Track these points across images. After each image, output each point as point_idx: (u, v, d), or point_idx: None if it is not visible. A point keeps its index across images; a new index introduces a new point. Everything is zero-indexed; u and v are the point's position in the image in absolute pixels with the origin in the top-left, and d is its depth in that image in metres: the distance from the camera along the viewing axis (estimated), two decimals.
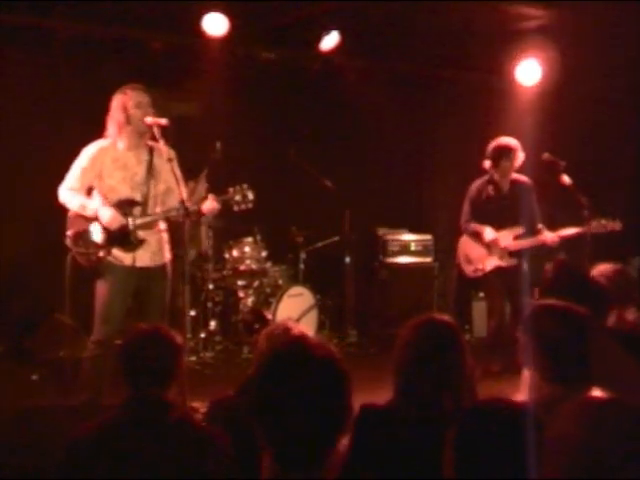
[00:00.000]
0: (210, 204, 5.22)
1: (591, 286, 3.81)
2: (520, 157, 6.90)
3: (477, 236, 7.04)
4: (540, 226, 6.99)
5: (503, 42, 8.17)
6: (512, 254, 6.97)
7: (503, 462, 1.81)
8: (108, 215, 5.14)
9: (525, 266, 7.01)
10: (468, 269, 7.17)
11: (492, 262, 7.00)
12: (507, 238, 6.97)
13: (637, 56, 7.93)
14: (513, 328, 7.21)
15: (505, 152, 6.89)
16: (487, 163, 7.03)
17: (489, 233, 6.95)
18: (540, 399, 2.76)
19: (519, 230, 6.96)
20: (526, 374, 2.99)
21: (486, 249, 7.00)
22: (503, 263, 6.98)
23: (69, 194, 5.20)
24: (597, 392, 2.31)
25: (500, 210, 6.99)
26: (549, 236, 6.86)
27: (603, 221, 6.67)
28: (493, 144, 6.97)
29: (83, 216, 5.21)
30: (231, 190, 5.28)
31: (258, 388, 1.96)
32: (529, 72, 8.57)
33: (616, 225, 6.69)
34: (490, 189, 7.04)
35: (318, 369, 1.94)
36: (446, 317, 2.95)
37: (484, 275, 7.07)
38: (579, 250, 6.71)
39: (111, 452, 2.59)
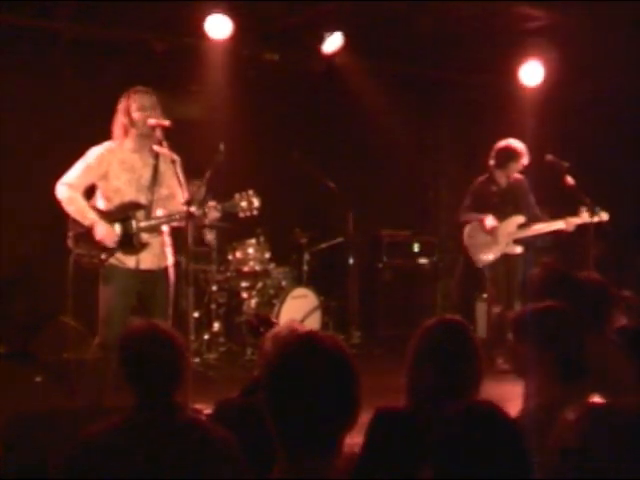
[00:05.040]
0: (210, 214, 5.22)
1: (580, 289, 3.80)
2: (525, 161, 7.04)
3: (480, 224, 7.17)
4: (541, 216, 7.17)
5: (506, 43, 8.18)
6: (517, 242, 7.10)
7: (479, 468, 1.81)
8: (103, 232, 5.11)
9: (528, 256, 7.17)
10: (477, 257, 7.23)
11: (499, 249, 7.11)
12: (511, 226, 7.10)
13: (639, 57, 7.93)
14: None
15: (514, 156, 7.08)
16: (491, 162, 7.15)
17: (490, 220, 7.09)
18: (543, 403, 2.76)
19: (521, 219, 7.13)
20: (525, 377, 2.98)
21: (492, 237, 7.11)
22: (510, 251, 7.10)
23: (68, 193, 5.15)
24: (596, 397, 2.31)
25: (502, 203, 7.18)
26: (551, 225, 7.00)
27: (600, 213, 6.78)
28: (502, 145, 7.10)
29: None
30: (237, 196, 5.26)
31: (270, 381, 1.98)
32: (532, 73, 8.58)
33: (603, 216, 6.78)
34: (492, 187, 7.18)
35: (328, 361, 1.97)
36: (458, 318, 2.94)
37: (491, 263, 7.17)
38: (582, 251, 6.73)
39: (120, 454, 2.59)
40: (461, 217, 7.33)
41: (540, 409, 2.74)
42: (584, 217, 6.80)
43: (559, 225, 7.03)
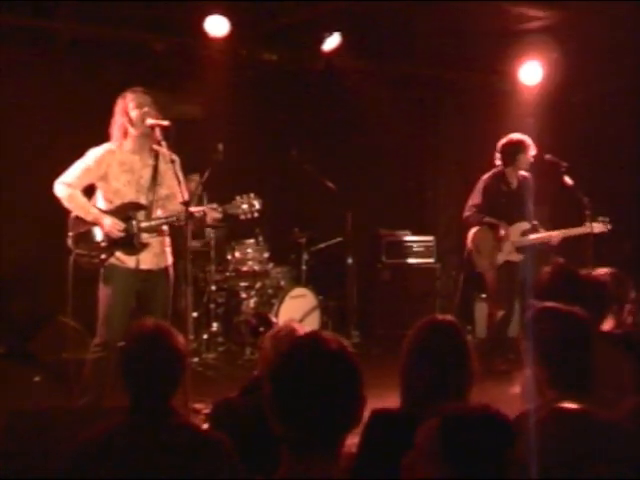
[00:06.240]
0: (211, 215, 5.24)
1: (588, 289, 3.81)
2: (532, 152, 7.00)
3: (493, 229, 7.10)
4: (535, 222, 7.14)
5: (506, 43, 8.18)
6: (519, 250, 7.07)
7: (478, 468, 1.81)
8: (109, 224, 5.14)
9: (530, 263, 7.11)
10: (478, 260, 7.20)
11: (502, 257, 7.11)
12: (515, 233, 7.08)
13: (638, 56, 7.94)
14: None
15: (521, 148, 7.01)
16: (498, 162, 7.10)
17: (504, 230, 7.04)
18: (541, 404, 2.75)
19: (526, 226, 7.08)
20: (527, 377, 2.97)
21: (496, 244, 7.07)
22: (511, 258, 7.07)
23: (68, 191, 5.17)
24: (569, 403, 2.29)
25: (509, 206, 7.11)
26: (554, 234, 7.01)
27: (600, 219, 6.80)
28: (507, 140, 7.06)
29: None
30: (238, 198, 5.29)
31: (274, 380, 1.98)
32: (532, 73, 8.58)
33: (604, 227, 6.80)
34: (502, 185, 7.12)
35: (333, 361, 1.98)
36: (449, 317, 2.94)
37: (493, 268, 7.14)
38: (581, 251, 6.73)
39: (114, 459, 2.58)
40: (470, 217, 7.18)
41: (540, 410, 2.74)
42: (581, 229, 6.79)
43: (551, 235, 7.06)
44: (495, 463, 1.80)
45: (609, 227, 6.81)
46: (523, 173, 7.16)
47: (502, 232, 7.05)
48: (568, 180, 6.80)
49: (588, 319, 2.87)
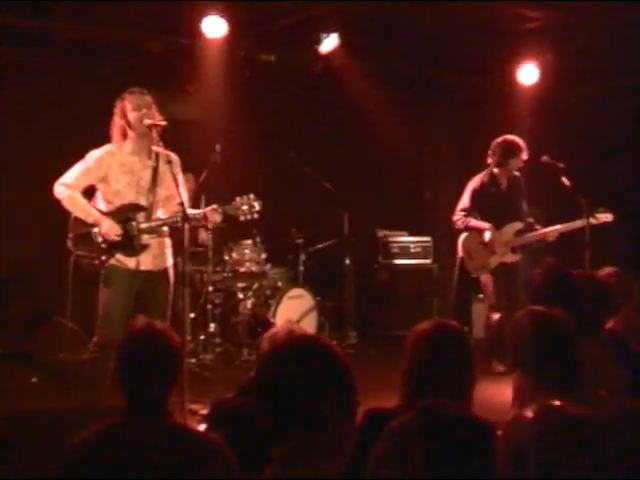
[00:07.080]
0: (212, 217, 5.24)
1: (586, 289, 3.81)
2: (525, 156, 7.00)
3: (479, 233, 7.09)
4: (531, 220, 7.13)
5: (502, 44, 8.19)
6: (514, 250, 7.06)
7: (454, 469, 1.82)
8: (107, 226, 5.14)
9: (526, 262, 7.12)
10: (471, 265, 7.19)
11: (496, 259, 7.07)
12: (508, 234, 7.05)
13: (634, 57, 7.96)
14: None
15: (515, 150, 7.00)
16: (490, 160, 7.09)
17: (488, 234, 6.99)
18: (531, 406, 2.75)
19: (519, 226, 7.06)
20: (516, 380, 2.99)
21: (488, 248, 7.04)
22: (506, 259, 7.05)
23: (68, 192, 5.18)
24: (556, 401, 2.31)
25: (499, 206, 7.09)
26: (550, 230, 7.01)
27: (597, 215, 6.75)
28: (501, 141, 7.04)
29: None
30: (238, 199, 5.29)
31: (258, 382, 1.99)
32: (528, 74, 8.60)
33: (608, 217, 6.77)
34: (491, 187, 7.11)
35: (322, 361, 1.97)
36: (454, 323, 2.95)
37: (489, 272, 7.12)
38: (579, 251, 6.74)
39: (109, 459, 2.58)
40: (459, 221, 7.15)
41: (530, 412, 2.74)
42: (578, 222, 6.78)
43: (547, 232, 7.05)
44: (470, 462, 1.80)
45: (609, 218, 6.77)
46: (514, 172, 7.17)
47: (486, 239, 7.04)
48: (565, 181, 6.80)
49: (567, 320, 2.88)
